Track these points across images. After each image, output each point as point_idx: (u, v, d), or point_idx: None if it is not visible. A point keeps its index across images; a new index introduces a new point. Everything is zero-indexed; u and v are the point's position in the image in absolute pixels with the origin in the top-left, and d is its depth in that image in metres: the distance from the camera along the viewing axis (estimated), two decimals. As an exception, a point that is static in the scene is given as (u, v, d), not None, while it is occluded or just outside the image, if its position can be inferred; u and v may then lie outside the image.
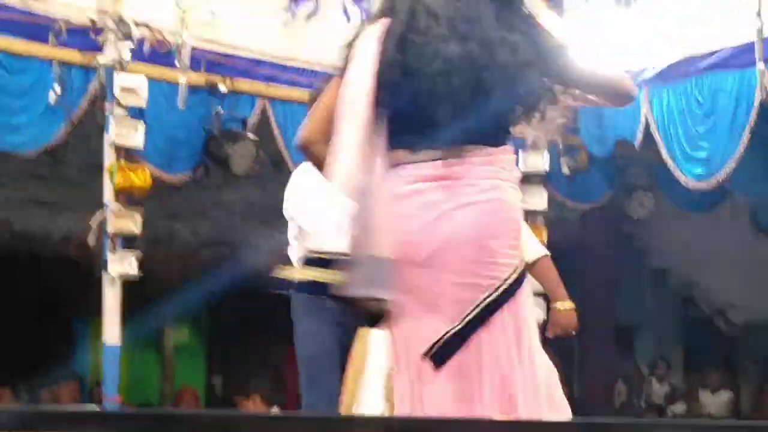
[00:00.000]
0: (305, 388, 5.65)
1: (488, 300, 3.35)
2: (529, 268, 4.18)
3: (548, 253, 5.25)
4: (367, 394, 5.28)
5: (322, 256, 4.46)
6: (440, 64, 3.37)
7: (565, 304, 5.11)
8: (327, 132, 3.49)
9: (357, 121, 3.37)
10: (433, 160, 3.39)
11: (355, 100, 3.39)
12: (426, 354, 3.34)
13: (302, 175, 5.51)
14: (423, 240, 3.35)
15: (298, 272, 4.21)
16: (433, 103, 3.37)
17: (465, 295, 3.35)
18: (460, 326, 3.34)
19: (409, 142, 3.41)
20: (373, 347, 5.28)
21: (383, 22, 3.50)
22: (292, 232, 5.51)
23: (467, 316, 3.33)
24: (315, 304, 5.54)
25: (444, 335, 3.33)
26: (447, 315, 3.34)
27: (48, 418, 2.47)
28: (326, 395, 5.44)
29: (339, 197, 3.43)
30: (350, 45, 3.62)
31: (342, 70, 3.58)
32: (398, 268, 3.31)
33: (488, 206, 3.37)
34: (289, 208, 5.56)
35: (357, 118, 3.38)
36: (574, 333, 5.12)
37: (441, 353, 3.33)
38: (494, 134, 3.47)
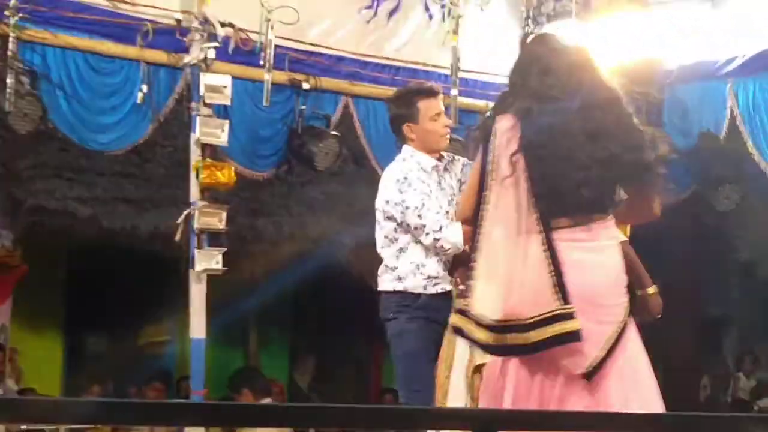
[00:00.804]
0: (403, 384, 5.72)
1: (617, 333, 4.41)
2: None
3: (626, 238, 5.26)
4: (455, 389, 5.37)
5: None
6: (571, 167, 4.35)
7: (651, 289, 5.13)
8: (472, 204, 4.50)
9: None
10: (577, 226, 4.41)
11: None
12: (584, 373, 4.35)
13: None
14: (578, 286, 4.34)
15: (485, 336, 4.44)
16: (572, 190, 4.36)
17: (594, 330, 4.35)
18: (605, 352, 4.36)
19: (554, 214, 4.38)
20: (460, 347, 5.37)
21: (512, 118, 4.41)
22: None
23: (610, 345, 4.38)
24: (407, 303, 5.62)
25: (599, 359, 4.34)
26: (586, 342, 4.32)
27: (132, 409, 2.53)
28: (424, 390, 5.51)
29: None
30: (484, 131, 4.53)
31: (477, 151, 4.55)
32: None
33: (611, 263, 4.48)
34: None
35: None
36: (659, 317, 5.18)
37: (594, 371, 4.36)
38: (606, 206, 4.50)
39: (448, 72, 8.31)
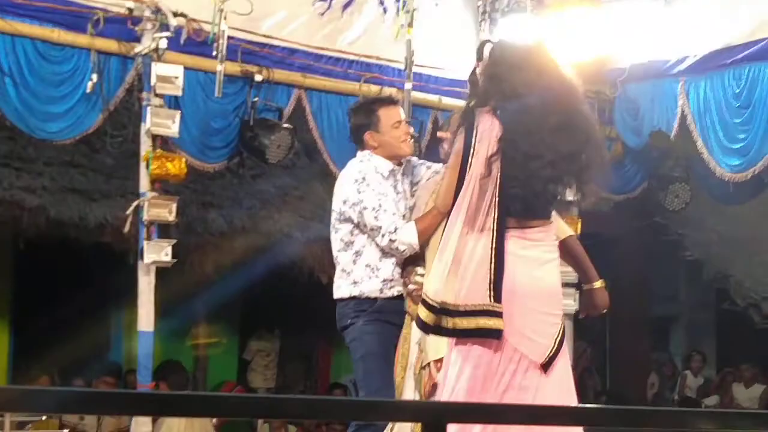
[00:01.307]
0: (363, 385, 5.73)
1: (562, 328, 4.74)
2: (559, 247, 4.97)
3: (574, 233, 5.32)
4: (408, 389, 5.48)
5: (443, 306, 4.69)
6: (542, 164, 4.61)
7: (597, 284, 5.21)
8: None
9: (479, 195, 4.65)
10: (530, 227, 4.71)
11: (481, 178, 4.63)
12: (542, 363, 4.64)
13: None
14: (526, 283, 4.66)
15: (425, 315, 4.69)
16: (534, 191, 4.65)
17: (549, 321, 4.71)
18: (556, 346, 4.68)
19: (514, 214, 4.66)
20: (412, 346, 5.42)
21: (493, 112, 4.68)
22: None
23: (558, 337, 4.70)
24: (364, 307, 5.64)
25: (552, 349, 4.66)
26: (545, 337, 4.67)
27: (79, 399, 2.50)
28: (385, 390, 5.53)
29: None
30: (465, 121, 4.77)
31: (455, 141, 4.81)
32: (506, 304, 4.60)
33: (557, 261, 4.81)
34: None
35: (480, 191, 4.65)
36: (605, 311, 5.29)
37: (549, 362, 4.66)
38: (551, 211, 4.83)
39: (401, 66, 8.29)
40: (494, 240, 4.60)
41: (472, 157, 4.64)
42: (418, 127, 8.31)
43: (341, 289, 5.74)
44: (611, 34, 8.54)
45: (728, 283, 12.68)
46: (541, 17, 8.47)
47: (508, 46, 4.98)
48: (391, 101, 5.92)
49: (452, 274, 4.60)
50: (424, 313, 4.64)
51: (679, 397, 12.72)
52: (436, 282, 4.63)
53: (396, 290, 5.66)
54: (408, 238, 5.53)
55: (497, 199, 4.61)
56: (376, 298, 5.66)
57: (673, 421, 2.87)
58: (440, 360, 5.11)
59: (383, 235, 5.58)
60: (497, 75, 4.79)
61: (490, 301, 4.58)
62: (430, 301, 4.62)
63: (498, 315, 4.58)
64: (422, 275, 5.41)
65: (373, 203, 5.62)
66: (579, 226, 8.89)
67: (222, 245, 9.71)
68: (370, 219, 5.61)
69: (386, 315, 5.66)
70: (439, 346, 5.13)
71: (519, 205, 4.65)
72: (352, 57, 8.23)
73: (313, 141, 8.20)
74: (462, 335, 4.61)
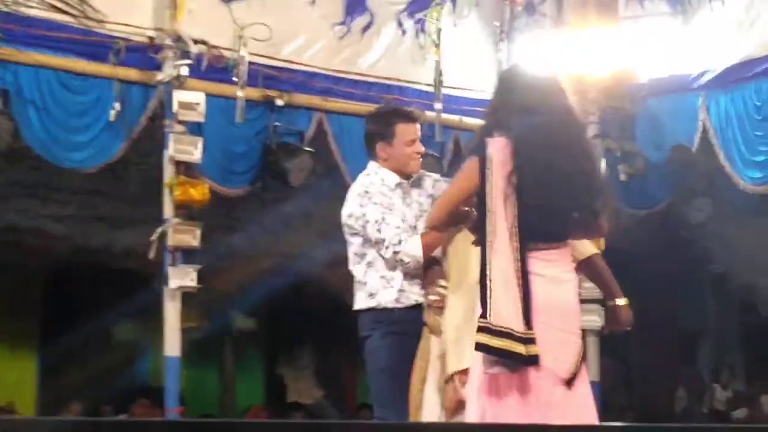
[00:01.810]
0: (376, 400, 5.73)
1: (582, 345, 4.87)
2: (583, 265, 5.19)
3: (599, 251, 5.35)
4: (429, 402, 5.40)
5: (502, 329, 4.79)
6: (556, 191, 4.76)
7: (621, 300, 5.26)
8: (449, 221, 5.06)
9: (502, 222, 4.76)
10: (548, 249, 4.82)
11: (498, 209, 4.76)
12: (567, 380, 4.75)
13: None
14: (548, 303, 4.76)
15: (488, 339, 4.77)
16: (549, 216, 4.79)
17: (571, 339, 4.83)
18: (579, 362, 4.80)
19: (535, 237, 4.78)
20: (434, 360, 5.40)
21: (506, 141, 4.80)
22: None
23: (579, 355, 4.82)
24: (381, 319, 5.64)
25: (575, 366, 4.77)
26: (567, 354, 4.79)
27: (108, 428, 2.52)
28: (397, 406, 5.53)
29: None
30: (473, 148, 4.99)
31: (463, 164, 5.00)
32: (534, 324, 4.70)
33: (575, 282, 4.94)
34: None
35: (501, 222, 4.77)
36: (628, 328, 5.36)
37: (573, 378, 4.77)
38: (569, 232, 4.94)
39: (421, 87, 8.33)
40: (520, 266, 4.73)
41: (491, 187, 4.77)
42: (440, 148, 8.34)
43: (359, 301, 5.74)
44: (631, 49, 8.56)
45: (754, 296, 12.61)
46: (560, 34, 8.49)
47: (520, 72, 5.12)
48: (410, 117, 5.87)
49: (506, 300, 4.71)
50: (522, 348, 4.67)
51: (708, 410, 12.65)
52: (507, 313, 4.69)
53: (413, 299, 5.64)
54: (413, 250, 5.54)
55: (517, 226, 4.74)
56: (393, 309, 5.64)
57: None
58: (464, 372, 5.13)
59: (387, 248, 5.58)
60: (509, 101, 4.91)
61: (523, 328, 4.69)
62: (519, 334, 4.67)
63: (533, 341, 4.69)
64: (444, 287, 5.43)
65: (375, 216, 5.62)
66: (603, 242, 8.88)
67: (246, 268, 9.74)
68: (374, 232, 5.61)
69: (404, 326, 5.61)
70: (461, 356, 5.15)
71: (534, 230, 4.77)
72: (372, 79, 8.26)
73: (335, 163, 8.23)
74: (522, 361, 4.68)
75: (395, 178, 5.75)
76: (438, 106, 8.18)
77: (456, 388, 5.25)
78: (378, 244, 5.62)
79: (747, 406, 12.61)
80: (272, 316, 11.01)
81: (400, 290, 5.64)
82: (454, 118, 8.38)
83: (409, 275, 5.64)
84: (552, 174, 4.77)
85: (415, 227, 5.68)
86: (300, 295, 9.79)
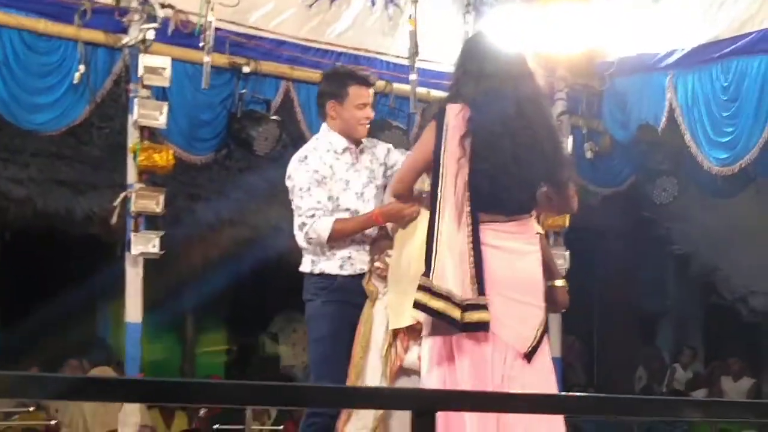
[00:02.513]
0: (315, 368, 5.74)
1: (545, 318, 4.86)
2: None
3: (542, 231, 5.38)
4: (371, 369, 5.48)
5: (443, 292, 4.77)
6: (511, 159, 4.73)
7: (559, 282, 5.32)
8: (414, 183, 5.01)
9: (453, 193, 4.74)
10: (506, 221, 4.81)
11: (451, 178, 4.74)
12: (526, 353, 4.75)
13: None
14: (507, 275, 4.75)
15: (428, 299, 4.75)
16: (506, 185, 4.75)
17: (532, 312, 4.82)
18: (538, 336, 4.79)
19: (489, 207, 4.77)
20: (376, 327, 5.42)
21: (463, 108, 4.79)
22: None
23: (540, 328, 4.82)
24: (324, 285, 5.64)
25: (535, 339, 4.77)
26: (527, 327, 4.77)
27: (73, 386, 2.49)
28: (334, 373, 5.55)
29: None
30: (434, 114, 4.97)
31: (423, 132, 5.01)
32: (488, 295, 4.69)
33: (538, 254, 4.89)
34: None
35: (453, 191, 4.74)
36: (564, 310, 5.46)
37: (532, 351, 4.77)
38: (532, 204, 4.92)
39: (390, 59, 8.29)
40: (471, 233, 4.72)
41: (444, 153, 4.77)
42: (406, 119, 8.32)
43: (304, 264, 5.74)
44: (600, 27, 8.54)
45: (716, 277, 12.71)
46: (530, 9, 8.47)
47: (482, 42, 5.10)
48: (364, 81, 5.85)
49: (450, 264, 4.69)
50: (457, 313, 4.66)
51: (668, 390, 12.75)
52: (449, 278, 4.68)
53: (357, 268, 5.65)
54: (321, 230, 5.57)
55: (469, 193, 4.73)
56: (336, 276, 5.65)
57: (659, 410, 2.87)
58: (405, 332, 5.17)
59: (299, 216, 5.61)
60: (469, 70, 4.92)
61: (475, 294, 4.67)
62: (458, 299, 4.67)
63: (485, 308, 4.66)
64: (390, 257, 5.46)
65: (302, 184, 5.63)
66: (567, 219, 8.91)
67: (209, 237, 9.70)
68: (296, 198, 5.63)
69: (347, 294, 5.63)
70: (400, 314, 5.18)
71: (489, 199, 4.75)
72: (340, 49, 8.21)
73: (301, 133, 8.18)
74: (465, 329, 4.67)
75: (343, 143, 5.75)
76: (413, 77, 8.15)
77: (397, 351, 5.28)
78: (295, 210, 5.65)
79: (707, 387, 12.72)
80: (236, 286, 10.97)
81: (347, 257, 5.64)
82: (421, 90, 8.35)
83: (355, 242, 5.66)
84: (506, 141, 4.76)
85: (362, 194, 5.70)
86: (264, 265, 9.73)
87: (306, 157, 5.71)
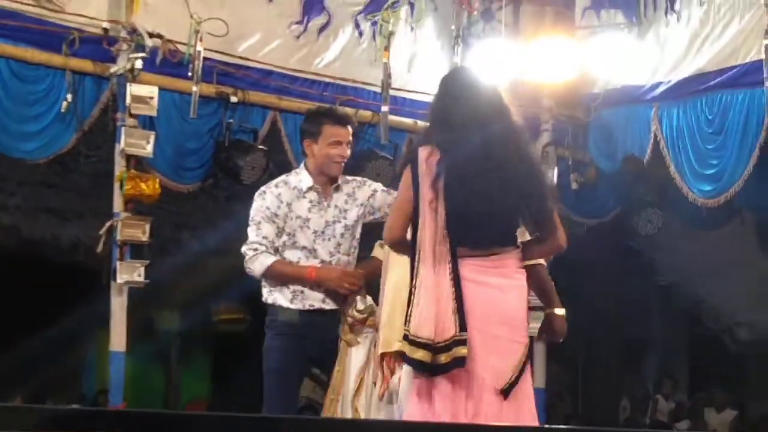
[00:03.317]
0: (266, 401, 5.77)
1: (526, 355, 4.80)
2: (528, 273, 5.04)
3: (543, 262, 5.39)
4: (344, 407, 5.54)
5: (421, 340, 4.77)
6: (483, 198, 4.72)
7: (560, 310, 5.32)
8: (406, 229, 4.86)
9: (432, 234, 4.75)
10: (486, 256, 4.78)
11: (430, 222, 4.75)
12: (502, 389, 4.71)
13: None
14: (487, 310, 4.73)
15: (409, 349, 4.76)
16: (481, 223, 4.75)
17: (511, 348, 4.76)
18: (517, 373, 4.73)
19: (468, 243, 4.76)
20: (351, 369, 5.54)
21: (433, 151, 4.78)
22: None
23: (520, 363, 4.76)
24: (274, 316, 5.70)
25: (513, 377, 4.72)
26: (504, 363, 4.73)
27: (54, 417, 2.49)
28: (282, 406, 5.60)
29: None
30: (407, 159, 4.99)
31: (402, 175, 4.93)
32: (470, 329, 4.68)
33: (521, 289, 4.85)
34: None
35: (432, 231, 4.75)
36: (562, 340, 5.46)
37: (510, 388, 4.72)
38: (514, 239, 4.89)
39: (376, 89, 8.32)
40: (451, 270, 4.70)
41: (419, 194, 4.76)
42: (393, 150, 8.35)
43: (263, 293, 5.83)
44: (586, 59, 8.60)
45: (701, 308, 12.74)
46: (517, 41, 8.53)
47: (456, 79, 5.08)
48: (339, 119, 5.94)
49: (427, 309, 4.68)
50: (422, 354, 4.66)
51: (651, 421, 12.75)
52: (425, 320, 4.68)
53: (308, 304, 5.71)
54: (256, 265, 5.71)
55: (446, 231, 4.72)
56: (286, 309, 5.71)
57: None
58: (391, 357, 5.20)
59: (245, 245, 5.74)
60: (440, 111, 4.93)
61: (457, 331, 4.66)
62: (425, 341, 4.66)
63: (464, 343, 4.65)
64: (360, 311, 5.56)
65: (254, 216, 5.77)
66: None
67: (196, 266, 9.69)
68: (249, 228, 5.77)
69: (296, 328, 5.69)
70: (390, 339, 5.20)
71: (466, 237, 4.75)
72: (327, 79, 8.25)
73: (288, 162, 8.20)
74: (442, 371, 4.67)
75: (309, 182, 5.84)
76: (385, 108, 8.18)
77: (385, 373, 5.30)
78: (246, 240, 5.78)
79: (690, 418, 12.73)
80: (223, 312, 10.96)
81: (299, 291, 5.70)
82: (408, 121, 8.39)
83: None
84: (477, 181, 4.75)
85: (322, 232, 5.78)
86: (249, 295, 9.72)
87: (264, 192, 5.85)
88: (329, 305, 5.71)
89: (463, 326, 4.66)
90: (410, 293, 4.75)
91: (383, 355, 5.36)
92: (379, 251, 5.73)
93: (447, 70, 8.54)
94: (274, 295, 5.74)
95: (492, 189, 4.75)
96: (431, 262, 4.71)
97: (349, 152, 5.94)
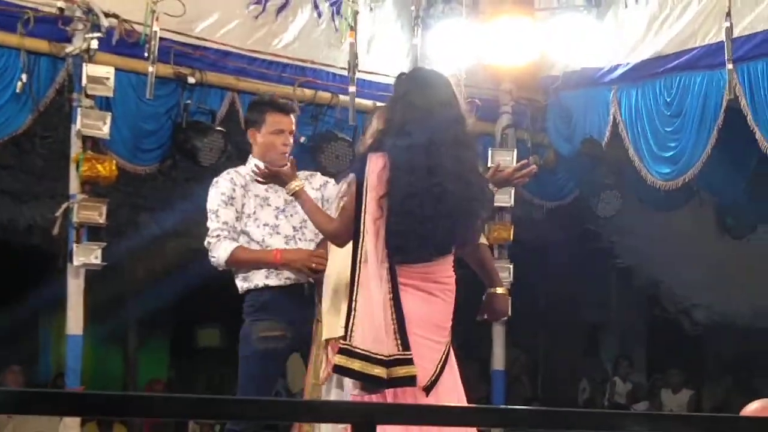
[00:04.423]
0: (242, 383, 5.81)
1: (446, 352, 4.86)
2: (469, 253, 5.14)
3: (485, 241, 5.43)
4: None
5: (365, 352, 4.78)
6: (425, 214, 4.73)
7: (500, 290, 5.36)
8: (349, 231, 4.83)
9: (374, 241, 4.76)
10: (422, 262, 4.80)
11: (371, 226, 4.75)
12: (424, 387, 4.74)
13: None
14: (419, 315, 4.77)
15: (353, 364, 4.75)
16: (421, 238, 4.76)
17: (435, 348, 4.81)
18: (437, 370, 4.79)
19: (409, 259, 4.78)
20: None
21: (383, 158, 4.78)
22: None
23: (440, 362, 4.81)
24: (252, 302, 5.69)
25: (434, 374, 4.76)
26: (427, 362, 4.76)
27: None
28: (261, 392, 5.64)
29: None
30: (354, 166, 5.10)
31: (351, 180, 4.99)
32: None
33: (450, 291, 4.88)
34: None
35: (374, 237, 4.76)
36: (505, 318, 5.52)
37: (431, 385, 4.76)
38: (449, 247, 4.88)
39: (336, 71, 8.28)
40: (390, 289, 4.72)
41: (364, 212, 4.76)
42: (353, 132, 8.32)
43: (238, 285, 5.83)
44: (545, 41, 8.60)
45: (659, 290, 12.82)
46: (476, 23, 8.51)
47: (412, 80, 5.06)
48: (282, 108, 5.99)
49: (371, 325, 4.69)
50: (380, 370, 4.65)
51: (609, 402, 12.83)
52: (371, 334, 4.68)
53: (285, 277, 5.70)
54: (220, 252, 5.71)
55: (387, 250, 4.74)
56: (263, 288, 5.72)
57: (600, 423, 2.88)
58: (334, 341, 5.19)
59: (208, 235, 5.76)
60: (395, 113, 4.90)
61: (399, 349, 4.69)
62: (381, 357, 4.66)
63: (411, 362, 4.68)
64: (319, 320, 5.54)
65: (212, 206, 5.79)
66: (511, 232, 8.96)
67: (153, 248, 9.63)
68: (209, 220, 5.79)
69: (275, 312, 5.69)
70: (334, 324, 5.20)
71: (404, 252, 4.77)
72: (286, 61, 8.20)
73: (246, 144, 8.15)
74: (393, 385, 4.68)
75: (260, 165, 5.80)
76: (352, 89, 8.16)
77: (328, 358, 5.29)
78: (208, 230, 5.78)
79: (648, 399, 12.82)
80: (179, 296, 10.89)
81: (270, 269, 5.70)
82: (368, 102, 8.36)
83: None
84: (420, 194, 4.74)
85: (283, 209, 5.81)
86: (207, 277, 9.68)
87: (217, 181, 5.87)
88: (304, 279, 5.71)
89: (405, 346, 4.68)
90: (349, 307, 4.74)
91: (327, 341, 5.35)
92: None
93: (406, 51, 8.59)
94: (248, 282, 5.71)
95: (438, 206, 4.75)
96: (374, 274, 4.71)
97: (291, 141, 5.97)
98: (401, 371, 4.65)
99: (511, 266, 8.86)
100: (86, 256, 7.32)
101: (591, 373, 13.65)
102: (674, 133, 8.25)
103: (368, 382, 4.70)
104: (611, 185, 9.76)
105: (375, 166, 4.79)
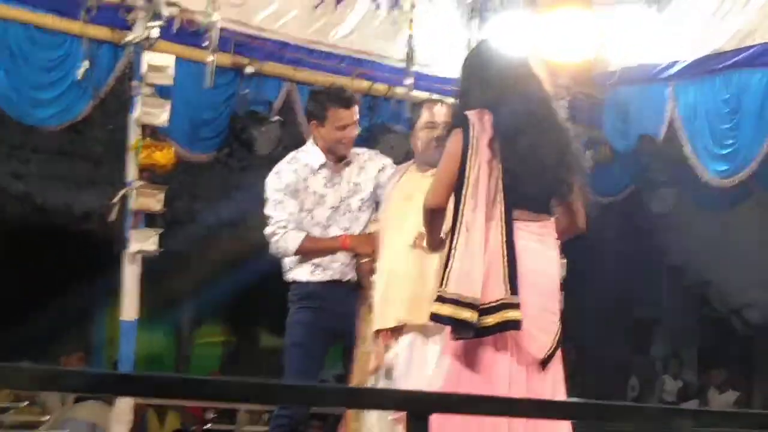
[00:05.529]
0: (286, 370, 5.82)
1: (560, 325, 4.76)
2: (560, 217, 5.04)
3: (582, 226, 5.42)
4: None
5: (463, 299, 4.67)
6: (535, 159, 4.74)
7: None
8: (450, 195, 4.75)
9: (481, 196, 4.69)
10: (533, 221, 4.77)
11: (481, 181, 4.69)
12: (542, 360, 4.66)
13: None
14: (534, 279, 4.67)
15: (451, 311, 4.62)
16: (532, 185, 4.76)
17: (551, 319, 4.74)
18: (555, 345, 4.70)
19: (522, 205, 4.74)
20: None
21: (484, 112, 4.78)
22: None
23: (557, 335, 4.73)
24: (296, 292, 5.73)
25: (552, 346, 4.69)
26: (544, 332, 4.70)
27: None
28: (303, 380, 5.64)
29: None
30: (455, 123, 4.93)
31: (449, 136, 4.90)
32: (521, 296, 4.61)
33: (558, 259, 4.87)
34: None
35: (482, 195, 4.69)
36: None
37: (548, 359, 4.69)
38: (552, 208, 4.91)
39: (392, 63, 8.30)
40: (504, 233, 4.65)
41: (473, 155, 4.71)
42: (408, 125, 8.32)
43: (284, 273, 5.95)
44: (603, 36, 8.56)
45: (710, 289, 12.73)
46: (534, 17, 8.48)
47: (487, 50, 5.11)
48: (344, 102, 6.02)
49: (478, 270, 4.60)
50: (469, 314, 4.55)
51: (658, 400, 12.76)
52: (468, 279, 4.60)
53: (329, 275, 5.73)
54: (289, 243, 5.78)
55: (502, 193, 4.69)
56: (307, 283, 5.80)
57: (656, 419, 2.88)
58: (387, 333, 5.19)
59: (270, 225, 5.83)
60: (480, 77, 4.92)
61: (507, 293, 4.59)
62: (471, 300, 4.57)
63: (517, 306, 4.59)
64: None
65: (276, 195, 5.86)
66: (565, 227, 8.91)
67: (209, 236, 9.70)
68: (269, 209, 5.86)
69: (319, 301, 5.74)
70: (386, 315, 5.20)
71: (520, 199, 4.73)
72: (343, 52, 8.22)
73: (302, 134, 8.19)
74: (489, 332, 4.59)
75: (321, 159, 5.94)
76: (409, 81, 8.17)
77: (378, 351, 5.30)
78: (268, 220, 5.86)
79: (698, 398, 12.74)
80: (234, 286, 10.97)
81: (317, 264, 5.74)
82: (423, 94, 8.35)
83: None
84: (529, 142, 4.75)
85: (338, 207, 5.86)
86: (262, 266, 9.74)
87: (279, 170, 5.96)
88: (347, 276, 5.76)
89: (514, 290, 4.59)
90: (448, 255, 4.64)
91: (378, 332, 5.36)
92: (373, 227, 5.76)
93: (463, 43, 8.57)
94: (292, 273, 5.80)
95: (544, 148, 4.77)
96: (484, 222, 4.63)
97: (357, 131, 6.00)
98: (507, 315, 4.56)
99: (564, 261, 8.81)
100: (142, 242, 7.37)
101: (641, 371, 13.58)
102: (731, 130, 8.18)
103: (458, 327, 4.60)
104: (666, 182, 9.71)
105: (476, 116, 4.80)
